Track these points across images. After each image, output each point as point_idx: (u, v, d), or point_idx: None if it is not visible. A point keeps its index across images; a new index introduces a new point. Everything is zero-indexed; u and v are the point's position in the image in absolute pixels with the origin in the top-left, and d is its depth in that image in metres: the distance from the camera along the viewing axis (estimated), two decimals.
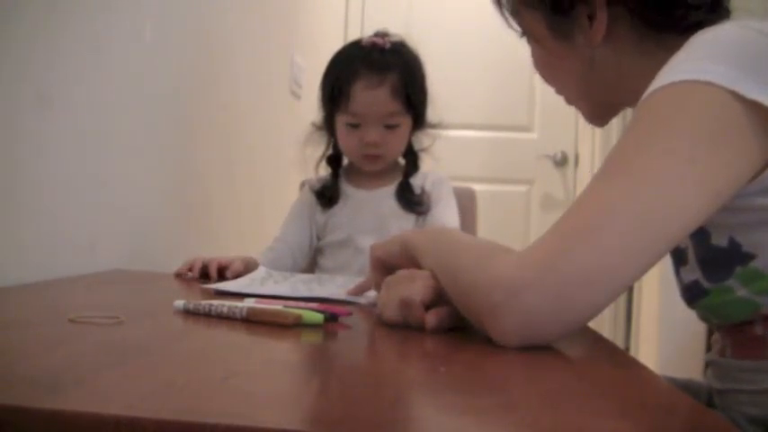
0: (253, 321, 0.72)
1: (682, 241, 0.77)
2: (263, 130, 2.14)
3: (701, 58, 0.66)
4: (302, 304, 0.76)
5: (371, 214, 1.38)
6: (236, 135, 1.94)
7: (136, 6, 1.32)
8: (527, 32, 0.87)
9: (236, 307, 0.74)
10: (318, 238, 1.43)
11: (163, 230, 1.48)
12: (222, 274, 1.16)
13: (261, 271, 1.16)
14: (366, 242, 1.34)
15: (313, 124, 1.41)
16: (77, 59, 1.12)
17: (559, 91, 0.91)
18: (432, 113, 1.40)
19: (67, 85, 1.10)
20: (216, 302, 0.75)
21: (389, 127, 1.32)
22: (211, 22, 1.72)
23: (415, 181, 1.41)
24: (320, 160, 1.43)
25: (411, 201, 1.38)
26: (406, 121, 1.34)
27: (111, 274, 1.17)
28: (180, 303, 0.77)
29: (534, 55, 0.89)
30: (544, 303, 0.62)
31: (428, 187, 1.41)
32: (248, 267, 1.23)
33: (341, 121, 1.34)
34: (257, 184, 2.09)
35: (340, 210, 1.41)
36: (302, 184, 1.50)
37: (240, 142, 1.97)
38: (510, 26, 0.89)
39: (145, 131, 1.39)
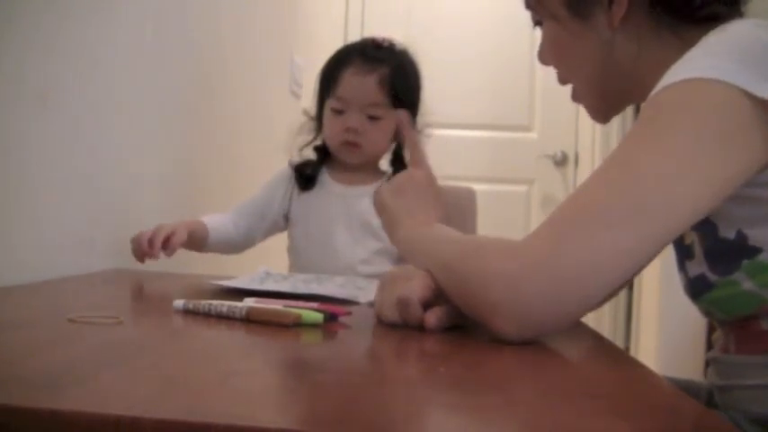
0: (253, 321, 0.72)
1: (687, 236, 0.77)
2: (263, 130, 2.14)
3: (712, 56, 0.67)
4: (302, 304, 0.76)
5: (344, 209, 1.38)
6: (236, 135, 1.94)
7: (136, 6, 1.32)
8: (543, 10, 0.85)
9: (236, 307, 0.74)
10: (286, 219, 1.42)
11: None
12: (167, 245, 1.19)
13: (260, 271, 1.16)
14: (338, 234, 1.34)
15: (305, 113, 1.43)
16: (77, 59, 1.12)
17: (570, 78, 0.88)
18: (421, 121, 1.40)
19: (67, 84, 1.10)
20: (215, 302, 0.75)
21: (372, 118, 1.34)
22: (211, 23, 1.72)
23: None
24: (304, 146, 1.43)
25: None
26: (390, 117, 1.35)
27: (111, 274, 1.17)
28: (179, 303, 0.77)
29: (549, 37, 0.87)
30: (542, 296, 0.63)
31: None
32: (193, 236, 1.26)
33: (328, 106, 1.36)
34: (257, 183, 2.08)
35: (314, 197, 1.40)
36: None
37: (240, 142, 1.97)
38: (527, 5, 0.87)
39: (144, 132, 1.39)
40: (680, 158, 0.64)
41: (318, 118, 1.40)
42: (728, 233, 0.71)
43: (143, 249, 1.18)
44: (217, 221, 1.35)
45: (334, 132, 1.36)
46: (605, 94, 0.86)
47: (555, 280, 0.62)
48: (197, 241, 1.30)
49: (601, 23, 0.80)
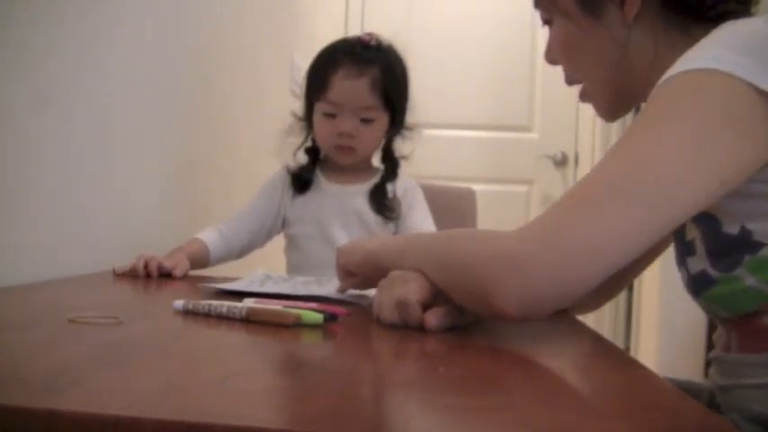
0: (252, 321, 0.72)
1: (688, 232, 0.78)
2: (263, 131, 2.14)
3: (722, 49, 0.67)
4: (302, 304, 0.76)
5: (340, 207, 1.38)
6: (236, 135, 1.94)
7: (136, 6, 1.32)
8: (554, 8, 0.85)
9: (236, 307, 0.74)
10: (283, 225, 1.42)
11: (162, 230, 1.48)
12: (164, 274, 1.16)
13: (259, 273, 1.15)
14: (335, 233, 1.34)
15: (293, 114, 1.42)
16: (76, 58, 1.12)
17: (581, 77, 0.88)
18: (411, 118, 1.40)
19: (66, 84, 1.10)
20: (215, 302, 0.75)
21: (365, 121, 1.33)
22: (211, 23, 1.72)
23: (387, 186, 1.41)
24: (297, 149, 1.43)
25: (382, 204, 1.38)
26: (382, 118, 1.35)
27: (111, 274, 1.16)
28: (180, 303, 0.77)
29: (559, 35, 0.86)
30: (544, 275, 0.64)
31: (399, 194, 1.41)
32: (195, 261, 1.24)
33: (318, 109, 1.35)
34: (256, 183, 2.09)
35: (310, 199, 1.40)
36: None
37: (240, 142, 1.97)
38: (536, 4, 0.87)
39: (144, 132, 1.38)
40: (682, 145, 0.65)
41: (308, 118, 1.40)
42: (732, 229, 0.71)
43: (140, 273, 1.16)
44: (216, 240, 1.34)
45: (326, 136, 1.36)
46: (618, 93, 0.86)
47: (558, 259, 0.63)
48: (198, 264, 1.29)
49: (614, 21, 0.80)
